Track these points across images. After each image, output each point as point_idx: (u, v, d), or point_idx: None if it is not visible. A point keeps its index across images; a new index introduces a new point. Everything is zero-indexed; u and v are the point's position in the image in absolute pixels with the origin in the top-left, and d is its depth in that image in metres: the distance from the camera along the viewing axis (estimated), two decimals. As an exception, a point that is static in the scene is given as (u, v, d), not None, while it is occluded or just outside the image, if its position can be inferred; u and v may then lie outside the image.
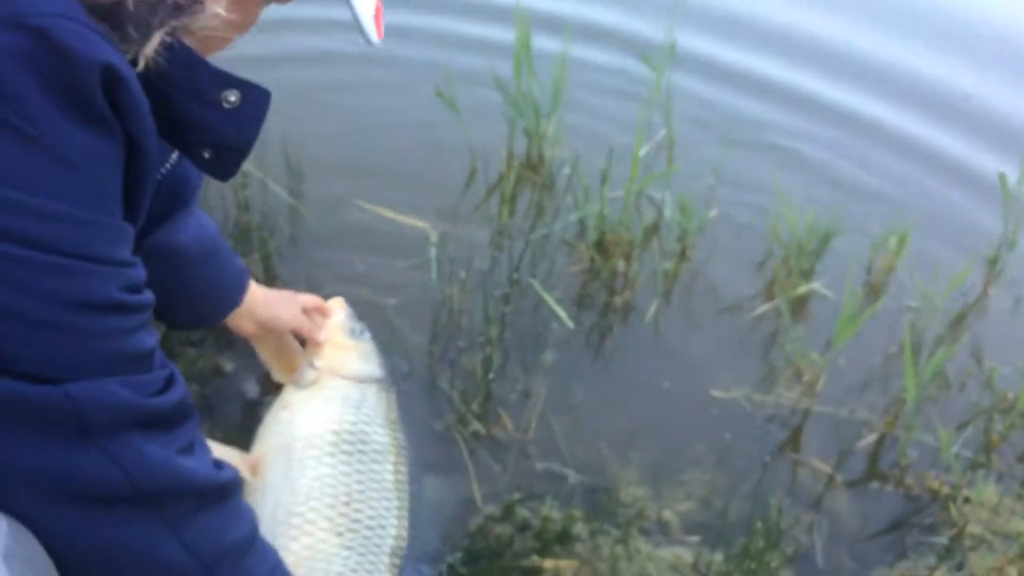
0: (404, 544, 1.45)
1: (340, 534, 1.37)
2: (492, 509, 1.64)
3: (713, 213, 2.36)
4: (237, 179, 2.23)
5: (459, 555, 1.54)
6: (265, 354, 1.64)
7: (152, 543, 0.83)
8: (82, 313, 0.75)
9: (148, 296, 0.82)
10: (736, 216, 2.43)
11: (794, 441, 1.90)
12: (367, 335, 1.74)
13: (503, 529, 1.61)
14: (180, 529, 0.85)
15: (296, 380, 1.58)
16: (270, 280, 2.02)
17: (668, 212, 2.36)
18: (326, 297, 1.75)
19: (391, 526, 1.44)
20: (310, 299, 1.66)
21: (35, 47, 0.69)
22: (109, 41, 0.75)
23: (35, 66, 0.69)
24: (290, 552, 1.30)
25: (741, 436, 1.88)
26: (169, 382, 0.84)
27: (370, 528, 1.40)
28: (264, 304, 1.57)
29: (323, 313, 1.66)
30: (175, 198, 0.92)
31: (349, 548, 1.37)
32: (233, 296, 1.51)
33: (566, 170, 2.41)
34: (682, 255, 2.32)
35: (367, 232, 2.23)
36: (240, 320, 1.55)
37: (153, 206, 0.89)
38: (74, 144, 0.72)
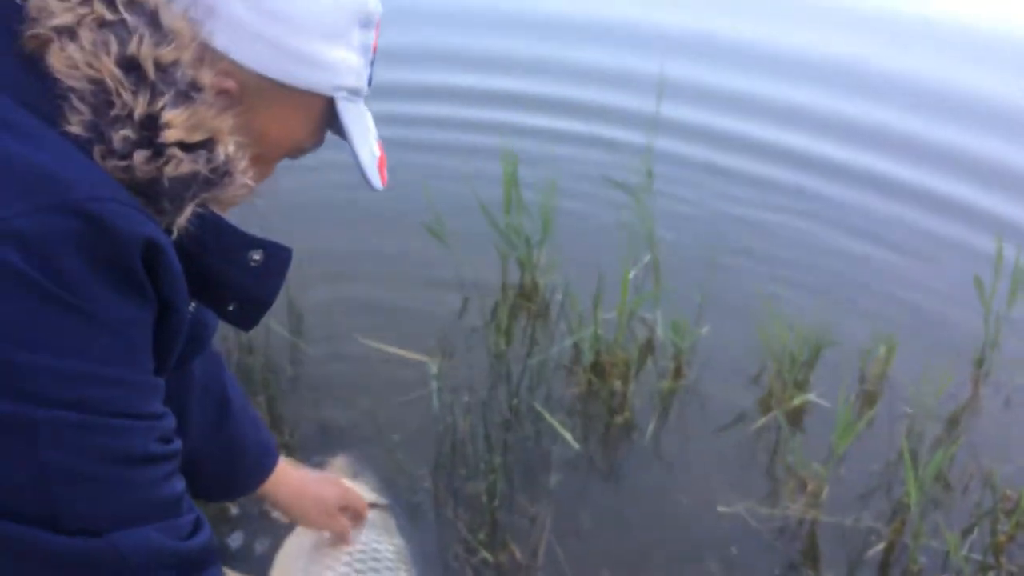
0: None
1: None
2: (505, 640, 1.63)
3: (704, 330, 2.41)
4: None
5: None
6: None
7: None
8: (124, 467, 0.78)
9: (178, 444, 0.86)
10: (727, 332, 2.49)
11: (804, 553, 1.90)
12: (368, 473, 1.75)
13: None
14: None
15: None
16: (274, 419, 2.05)
17: (660, 331, 2.41)
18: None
19: None
20: (348, 500, 1.54)
21: (88, 231, 0.75)
22: (148, 215, 0.81)
23: (87, 248, 0.75)
24: None
25: (749, 551, 1.88)
26: (197, 525, 0.87)
27: None
28: (298, 504, 1.48)
29: (360, 517, 1.56)
30: (195, 340, 0.96)
31: None
32: (257, 471, 1.42)
33: (559, 296, 2.48)
34: (677, 372, 2.37)
35: (367, 367, 2.27)
36: (272, 507, 1.51)
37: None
38: (114, 312, 0.77)
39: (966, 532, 1.89)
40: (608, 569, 1.80)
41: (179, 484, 0.86)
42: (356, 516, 1.53)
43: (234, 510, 1.84)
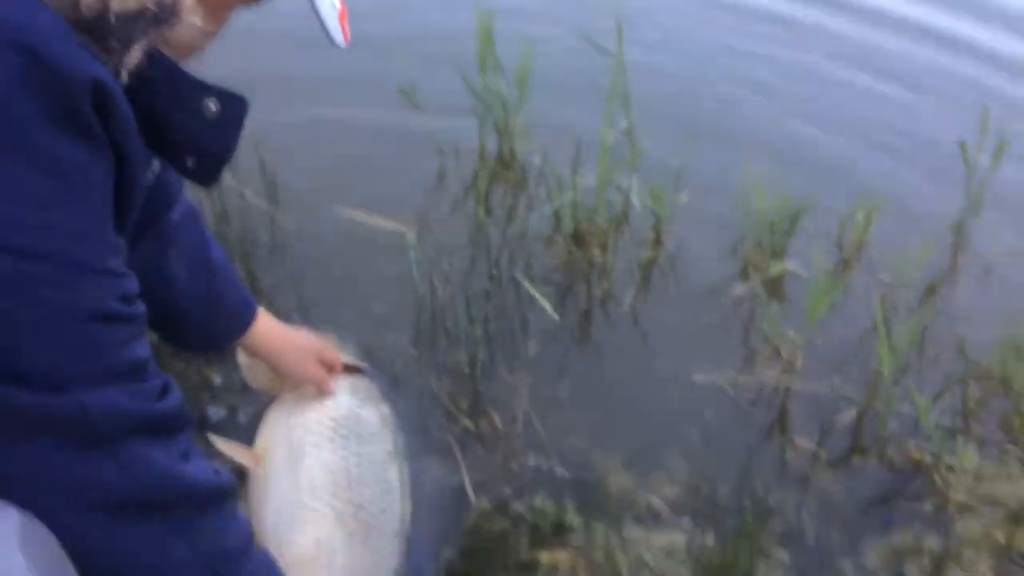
0: (408, 527, 1.47)
1: (344, 524, 1.39)
2: (485, 505, 1.67)
3: (684, 198, 2.39)
4: (214, 190, 2.24)
5: (455, 551, 1.56)
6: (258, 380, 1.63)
7: (161, 546, 0.86)
8: (85, 324, 0.77)
9: (141, 307, 0.84)
10: (706, 200, 2.46)
11: (778, 421, 1.95)
12: (349, 343, 1.76)
13: (498, 524, 1.64)
14: (186, 532, 0.88)
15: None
16: (254, 291, 2.02)
17: (638, 200, 2.38)
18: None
19: (393, 510, 1.46)
20: (327, 353, 1.57)
21: (33, 67, 0.71)
22: (95, 56, 0.77)
23: (32, 85, 0.71)
24: (297, 545, 1.33)
25: (725, 419, 1.92)
26: (165, 390, 0.86)
27: (372, 515, 1.43)
28: (278, 352, 1.51)
29: (335, 370, 1.58)
30: (158, 204, 0.93)
31: (352, 535, 1.39)
32: (236, 322, 1.46)
33: (537, 162, 2.43)
34: (656, 242, 2.36)
35: (345, 237, 2.25)
36: (251, 360, 1.54)
37: (139, 215, 0.91)
38: (66, 158, 0.74)
39: (937, 398, 1.93)
40: (584, 435, 1.84)
41: (143, 348, 0.85)
42: (331, 369, 1.54)
43: (217, 380, 1.85)
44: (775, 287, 2.28)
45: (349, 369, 1.64)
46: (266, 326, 1.49)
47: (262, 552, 1.04)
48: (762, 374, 2.04)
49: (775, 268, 2.27)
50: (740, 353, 2.10)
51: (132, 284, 0.83)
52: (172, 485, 0.85)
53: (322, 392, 1.53)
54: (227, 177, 2.30)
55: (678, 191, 2.38)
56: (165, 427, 0.85)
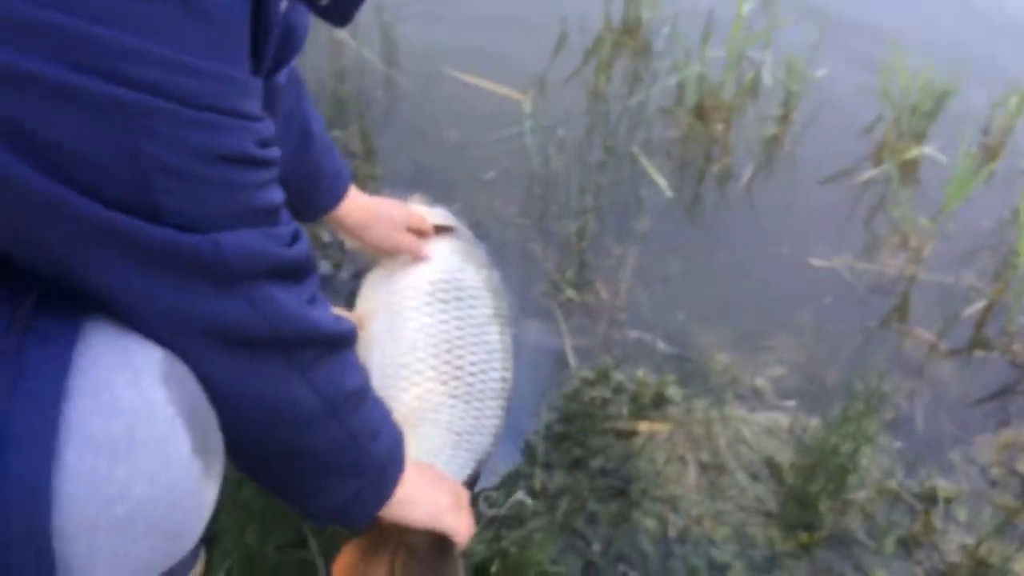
0: (509, 387, 1.49)
1: (445, 383, 1.41)
2: (586, 373, 1.67)
3: (820, 73, 2.25)
4: (333, 49, 2.25)
5: (554, 415, 1.58)
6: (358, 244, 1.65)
7: (285, 384, 0.88)
8: (223, 166, 0.76)
9: (276, 151, 0.84)
10: (845, 76, 2.32)
11: (898, 309, 1.86)
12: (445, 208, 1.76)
13: (597, 391, 1.64)
14: (307, 373, 0.90)
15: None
16: (368, 151, 2.04)
17: (771, 73, 2.26)
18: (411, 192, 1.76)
19: (494, 371, 1.47)
20: (416, 218, 1.57)
21: None
22: None
23: None
24: (400, 403, 1.36)
25: (841, 305, 1.85)
26: (296, 236, 0.87)
27: (473, 375, 1.44)
28: (364, 226, 1.52)
29: (427, 235, 1.58)
30: (286, 45, 0.91)
31: (454, 396, 1.41)
32: (330, 194, 1.47)
33: (665, 30, 2.33)
34: (785, 119, 2.24)
35: (461, 102, 2.22)
36: (341, 231, 1.56)
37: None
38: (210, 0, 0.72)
39: (1075, 296, 1.81)
40: (690, 312, 1.80)
41: (278, 193, 0.85)
42: (421, 235, 1.55)
43: (326, 237, 1.89)
44: (909, 172, 2.15)
45: (445, 232, 1.64)
46: (354, 201, 1.50)
47: (378, 400, 1.06)
48: (885, 261, 1.94)
49: (912, 152, 2.14)
50: (863, 239, 2.01)
51: (268, 128, 0.82)
52: (299, 326, 0.87)
53: (416, 258, 1.53)
54: (346, 37, 2.30)
55: (814, 68, 2.24)
56: (294, 272, 0.86)
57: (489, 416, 1.45)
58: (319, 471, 0.99)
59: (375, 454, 1.03)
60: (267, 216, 0.83)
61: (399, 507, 1.12)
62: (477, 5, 2.53)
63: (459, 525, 1.22)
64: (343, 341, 0.96)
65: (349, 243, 1.66)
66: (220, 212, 0.78)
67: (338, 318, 0.96)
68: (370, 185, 1.95)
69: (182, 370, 0.80)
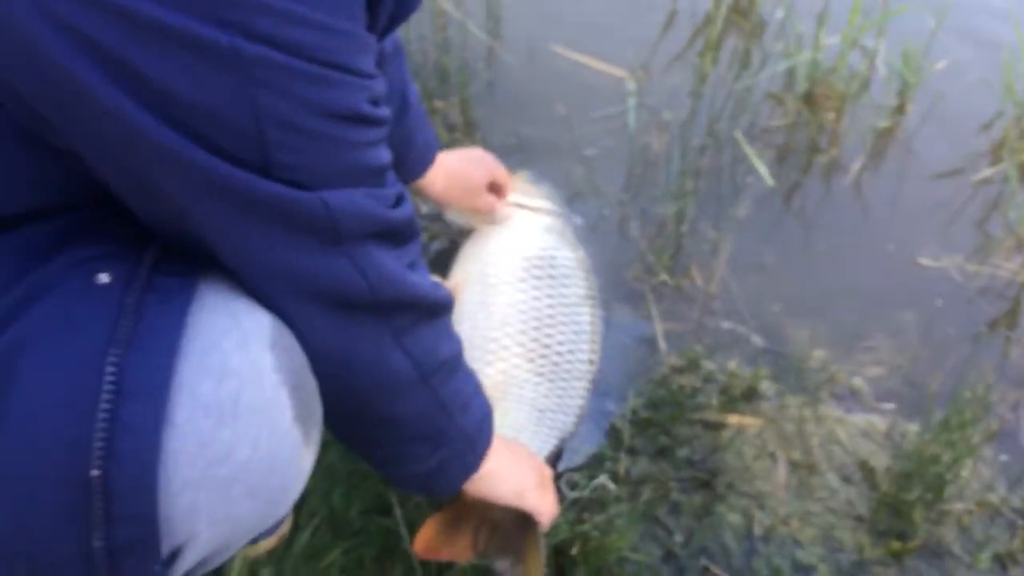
0: (595, 369, 1.48)
1: (531, 360, 1.41)
2: (676, 360, 1.64)
3: (940, 65, 2.15)
4: (437, 20, 2.24)
5: (642, 400, 1.55)
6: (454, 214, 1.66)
7: (382, 347, 0.88)
8: (337, 123, 0.76)
9: (387, 111, 0.83)
10: (966, 69, 2.21)
11: (1009, 316, 1.78)
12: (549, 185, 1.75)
13: (687, 380, 1.61)
14: (402, 338, 0.89)
15: (487, 220, 1.61)
16: (468, 123, 2.04)
17: (887, 63, 2.17)
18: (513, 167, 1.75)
19: (582, 352, 1.46)
20: (495, 175, 1.58)
21: None
22: None
23: None
24: (485, 376, 1.35)
25: (949, 307, 1.77)
26: (400, 199, 0.86)
27: (560, 354, 1.43)
28: (448, 190, 1.54)
29: (504, 193, 1.60)
30: (402, 4, 0.89)
31: (540, 374, 1.40)
32: (418, 165, 1.49)
33: (779, 14, 2.25)
34: (900, 110, 2.15)
35: (564, 78, 2.19)
36: (423, 196, 1.58)
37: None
38: None
39: None
40: (787, 305, 1.75)
41: (386, 154, 0.84)
42: (501, 193, 1.57)
43: (424, 208, 1.89)
44: (1030, 172, 2.04)
45: (544, 210, 1.63)
46: (438, 167, 1.51)
47: (470, 371, 1.05)
48: (998, 264, 1.85)
49: (1034, 151, 2.03)
50: (975, 240, 1.92)
51: (381, 86, 0.81)
52: (399, 290, 0.86)
53: (491, 219, 1.55)
54: (451, 8, 2.29)
55: (934, 60, 2.15)
56: (397, 234, 0.85)
57: (573, 396, 1.44)
58: (408, 438, 0.99)
59: (464, 425, 1.02)
60: (375, 176, 0.82)
61: (484, 481, 1.11)
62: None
63: (543, 505, 1.21)
64: (440, 308, 0.96)
65: (449, 216, 1.66)
66: (330, 169, 0.77)
67: (436, 284, 0.95)
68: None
69: (289, 338, 0.80)
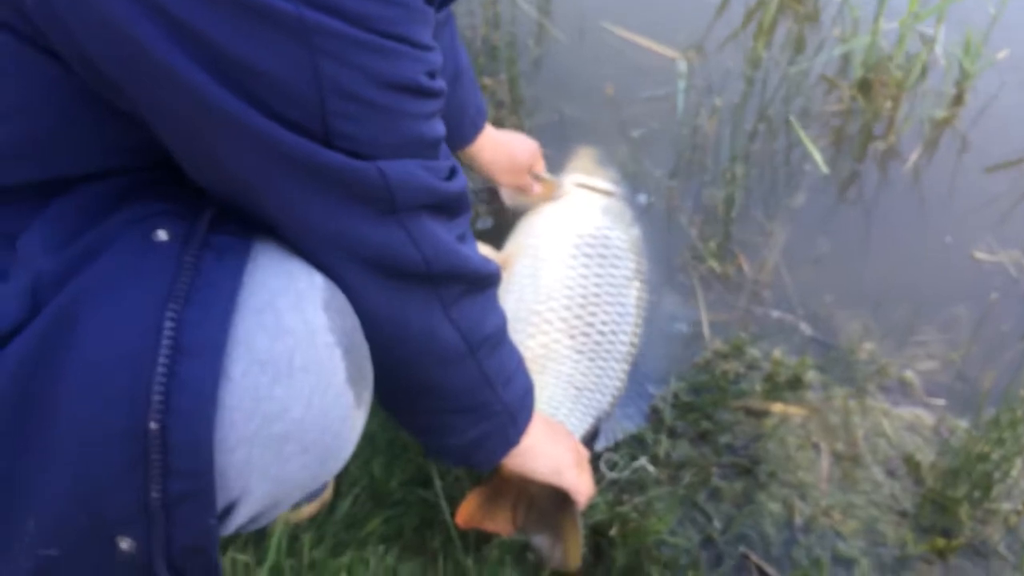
0: (636, 352, 1.47)
1: (573, 336, 1.41)
2: (720, 346, 1.62)
3: (1002, 54, 2.09)
4: (488, -5, 2.23)
5: (684, 384, 1.53)
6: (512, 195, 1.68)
7: (431, 317, 0.89)
8: (395, 94, 0.76)
9: (443, 83, 0.83)
10: (1028, 60, 2.15)
11: (1067, 312, 1.73)
12: (611, 166, 1.74)
13: (731, 366, 1.59)
14: (451, 309, 0.90)
15: (546, 196, 1.62)
16: (515, 101, 2.02)
17: (946, 51, 2.12)
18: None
19: (624, 333, 1.46)
20: (537, 158, 1.66)
21: None
22: None
23: None
24: (527, 348, 1.36)
25: (1005, 303, 1.72)
26: (454, 171, 0.87)
27: (602, 334, 1.43)
28: (494, 155, 1.61)
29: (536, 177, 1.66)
30: None
31: (580, 352, 1.40)
32: (472, 130, 1.54)
33: (836, -2, 2.20)
34: (958, 99, 2.10)
35: (614, 57, 2.16)
36: (473, 164, 1.62)
37: None
38: None
39: None
40: (837, 296, 1.72)
41: (441, 126, 0.84)
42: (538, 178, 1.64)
43: (471, 185, 1.88)
44: (1092, 167, 1.98)
45: (601, 191, 1.62)
46: (487, 137, 1.57)
47: (513, 345, 1.06)
48: (1057, 261, 1.80)
49: (1097, 145, 1.97)
50: (1034, 235, 1.87)
51: (438, 58, 0.82)
52: (450, 261, 0.87)
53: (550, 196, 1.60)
54: (504, -16, 2.27)
55: (994, 49, 2.09)
56: (450, 207, 0.86)
57: (612, 377, 1.43)
58: (451, 409, 0.99)
59: (506, 399, 1.03)
60: (430, 148, 0.83)
61: (523, 457, 1.12)
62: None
63: (580, 484, 1.21)
64: (489, 281, 0.96)
65: (505, 196, 1.67)
66: (387, 140, 0.78)
67: (486, 258, 0.95)
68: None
69: (342, 299, 0.81)
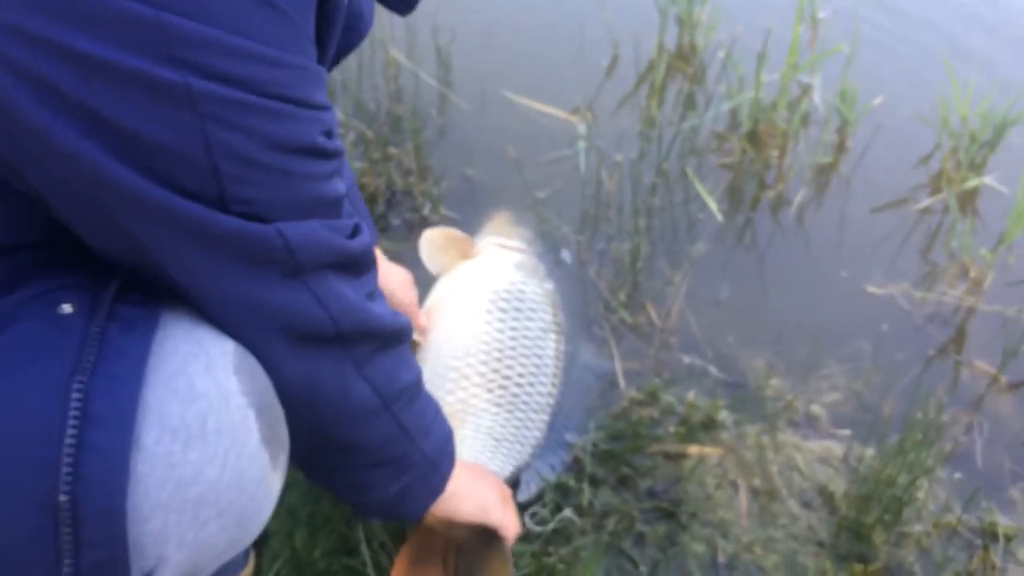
0: (554, 402, 1.49)
1: (491, 390, 1.43)
2: (635, 394, 1.65)
3: (877, 101, 2.23)
4: (389, 69, 2.28)
5: (602, 433, 1.56)
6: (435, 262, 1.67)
7: (343, 377, 0.90)
8: (290, 156, 0.77)
9: (340, 143, 0.85)
10: (901, 105, 2.29)
11: (956, 340, 1.82)
12: (523, 225, 1.79)
13: (647, 412, 1.62)
14: (364, 367, 0.91)
15: (462, 256, 1.65)
16: (422, 168, 2.06)
17: (822, 101, 2.25)
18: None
19: (542, 384, 1.48)
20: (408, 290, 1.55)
21: None
22: None
23: None
24: (446, 404, 1.37)
25: (898, 334, 1.81)
26: (357, 229, 0.88)
27: (519, 386, 1.45)
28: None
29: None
30: (351, 32, 0.92)
31: (498, 405, 1.42)
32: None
33: (720, 55, 2.32)
34: (840, 147, 2.22)
35: (515, 123, 2.23)
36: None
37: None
38: None
39: None
40: (742, 337, 1.78)
41: (341, 185, 0.85)
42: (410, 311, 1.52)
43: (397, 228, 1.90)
44: (968, 202, 2.11)
45: (514, 249, 1.66)
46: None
47: (429, 396, 1.07)
48: (943, 291, 1.91)
49: (971, 182, 2.10)
50: (920, 268, 1.97)
51: (333, 118, 0.83)
52: (360, 319, 0.87)
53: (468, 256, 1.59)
54: (403, 58, 2.33)
55: (871, 95, 2.22)
56: (355, 265, 0.87)
57: (530, 428, 1.45)
58: (372, 464, 1.00)
59: (427, 449, 1.04)
60: (331, 207, 0.84)
61: (448, 502, 1.13)
62: (530, 29, 2.54)
63: (506, 520, 1.23)
64: (400, 336, 0.97)
65: (428, 261, 1.65)
66: (286, 202, 0.78)
67: (396, 313, 0.96)
68: (425, 203, 1.97)
69: (253, 363, 0.81)
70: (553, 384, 1.51)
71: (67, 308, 0.74)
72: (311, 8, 0.78)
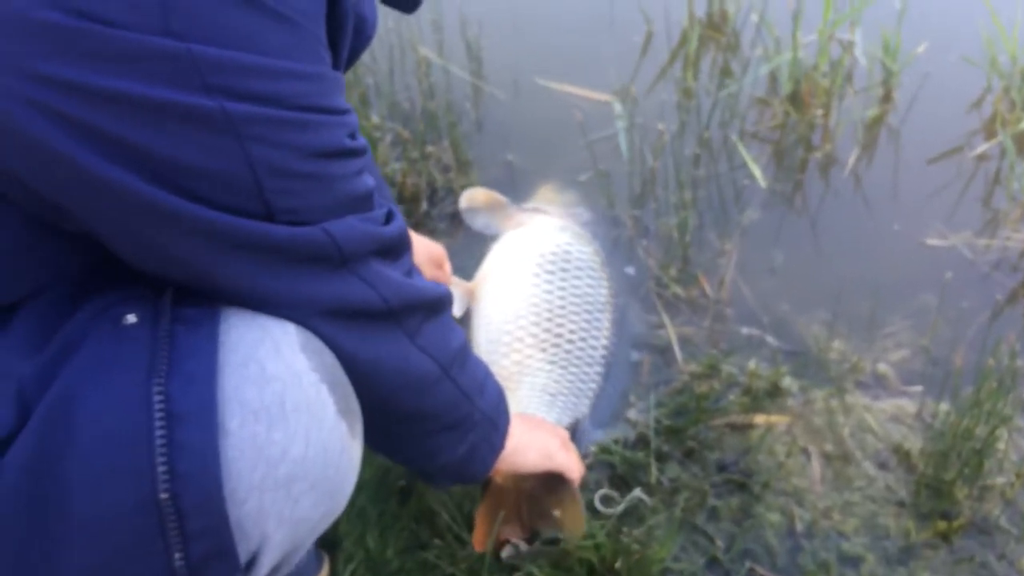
0: (608, 354, 1.51)
1: (544, 350, 1.46)
2: (695, 367, 1.63)
3: (921, 48, 2.16)
4: (420, 68, 2.28)
5: (665, 409, 1.54)
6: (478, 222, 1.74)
7: (401, 349, 0.93)
8: (324, 161, 0.81)
9: (364, 140, 0.89)
10: (947, 49, 2.22)
11: (1024, 285, 1.77)
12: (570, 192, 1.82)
13: (707, 385, 1.60)
14: (416, 337, 0.94)
15: (511, 224, 1.68)
16: (461, 163, 2.05)
17: (867, 53, 2.19)
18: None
19: (594, 339, 1.50)
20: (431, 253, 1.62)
21: None
22: None
23: None
24: (501, 368, 1.42)
25: (963, 284, 1.75)
26: (390, 216, 0.92)
27: (571, 342, 1.48)
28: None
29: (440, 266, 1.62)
30: (359, 36, 0.96)
31: (552, 362, 1.45)
32: None
33: (753, 18, 2.27)
34: (886, 99, 2.16)
35: (552, 109, 2.21)
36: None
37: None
38: (294, 4, 0.77)
39: None
40: (799, 303, 1.74)
41: (370, 179, 0.89)
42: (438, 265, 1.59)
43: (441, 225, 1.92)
44: (1024, 143, 2.04)
45: (560, 213, 1.67)
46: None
47: (477, 357, 1.11)
48: (1007, 236, 1.85)
49: (1027, 121, 2.03)
50: (982, 215, 1.91)
51: (355, 119, 0.87)
52: (406, 293, 0.91)
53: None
54: (432, 55, 2.33)
55: (913, 43, 2.16)
56: (393, 248, 0.91)
57: (585, 381, 1.48)
58: (439, 429, 1.03)
59: (484, 407, 1.08)
60: (364, 201, 0.88)
61: (512, 456, 1.17)
62: (559, 12, 2.53)
63: (570, 462, 1.28)
64: (443, 304, 1.01)
65: (470, 221, 1.73)
66: (325, 204, 0.82)
67: (435, 283, 1.01)
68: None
69: (317, 341, 0.84)
70: (606, 336, 1.52)
71: (131, 318, 0.77)
72: (322, 15, 0.81)
